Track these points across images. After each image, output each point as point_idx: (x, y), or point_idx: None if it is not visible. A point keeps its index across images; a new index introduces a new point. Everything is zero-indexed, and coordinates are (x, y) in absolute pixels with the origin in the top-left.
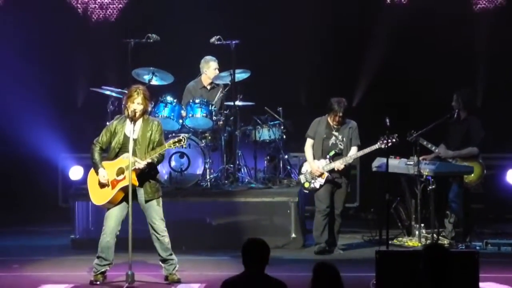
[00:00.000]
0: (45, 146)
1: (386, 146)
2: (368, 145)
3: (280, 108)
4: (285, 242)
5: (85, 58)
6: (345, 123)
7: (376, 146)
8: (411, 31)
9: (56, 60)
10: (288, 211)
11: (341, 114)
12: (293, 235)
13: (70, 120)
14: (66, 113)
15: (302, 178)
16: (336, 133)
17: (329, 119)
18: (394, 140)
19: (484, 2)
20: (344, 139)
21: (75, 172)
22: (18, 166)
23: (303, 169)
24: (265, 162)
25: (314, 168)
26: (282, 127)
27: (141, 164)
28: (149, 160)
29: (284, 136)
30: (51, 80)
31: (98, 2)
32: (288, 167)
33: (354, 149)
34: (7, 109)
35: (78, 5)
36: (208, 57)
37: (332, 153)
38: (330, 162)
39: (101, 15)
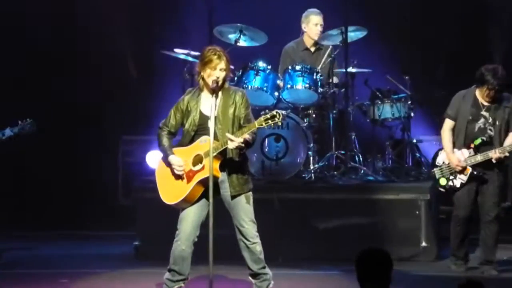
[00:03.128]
0: (101, 127)
1: None
2: None
3: (407, 77)
4: (413, 252)
5: (153, 13)
6: (499, 100)
7: None
8: None
9: (109, 14)
10: (417, 212)
11: (496, 88)
12: (424, 244)
13: (133, 93)
14: (126, 85)
15: (437, 172)
16: (486, 114)
17: (478, 93)
18: None
19: None
20: (497, 122)
21: (154, 158)
22: (66, 154)
23: (439, 160)
24: (387, 147)
25: (454, 160)
26: (409, 103)
27: (235, 142)
28: (247, 137)
29: (412, 114)
30: (102, 42)
31: None
32: (417, 155)
33: (510, 137)
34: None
35: None
36: (309, 10)
37: (478, 141)
38: (475, 154)
39: None
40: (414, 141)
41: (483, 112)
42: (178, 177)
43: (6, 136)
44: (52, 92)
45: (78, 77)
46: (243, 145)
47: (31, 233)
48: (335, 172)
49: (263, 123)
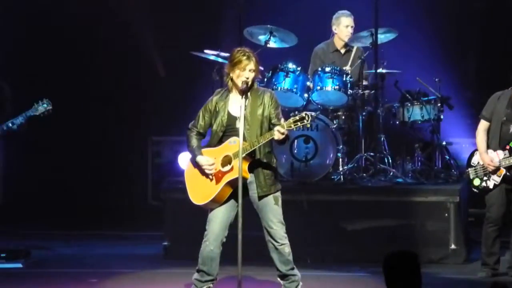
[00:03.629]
0: (130, 128)
1: None
2: None
3: (437, 79)
4: (442, 255)
5: (183, 14)
6: None
7: None
8: None
9: (138, 16)
10: (446, 214)
11: None
12: (453, 246)
13: (161, 93)
14: (155, 85)
15: (471, 172)
16: None
17: None
18: None
19: None
20: None
21: (185, 160)
22: (95, 154)
23: (474, 160)
24: (417, 150)
25: (486, 161)
26: (439, 105)
27: (284, 132)
28: (292, 127)
29: (442, 117)
30: (135, 43)
31: None
32: (447, 157)
33: None
34: (81, 82)
35: None
36: (340, 12)
37: None
38: (510, 155)
39: None
40: (444, 143)
41: None
42: (207, 178)
43: (17, 124)
44: (81, 91)
45: (106, 77)
46: (282, 137)
47: (61, 232)
48: (364, 174)
49: (292, 125)
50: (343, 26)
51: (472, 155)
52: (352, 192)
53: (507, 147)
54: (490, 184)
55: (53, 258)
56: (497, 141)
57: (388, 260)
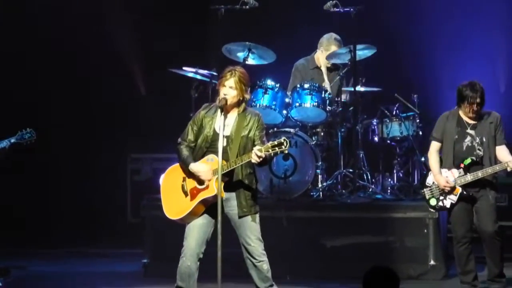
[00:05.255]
0: (109, 146)
1: None
2: None
3: (415, 96)
4: (421, 271)
5: (161, 31)
6: (483, 117)
7: None
8: None
9: (116, 31)
10: (425, 230)
11: (478, 101)
12: (432, 262)
13: (140, 110)
14: (133, 102)
15: (427, 193)
16: (472, 132)
17: (461, 113)
18: None
19: None
20: (484, 139)
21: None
22: (73, 172)
23: (428, 180)
24: (395, 166)
25: (441, 182)
26: (417, 121)
27: (261, 155)
28: (267, 154)
29: (421, 133)
30: (113, 59)
31: None
32: (426, 173)
33: (501, 151)
34: (58, 100)
35: None
36: (333, 37)
37: (468, 161)
38: (465, 174)
39: None
40: (423, 159)
41: (469, 131)
42: (182, 193)
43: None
44: (62, 108)
45: (84, 93)
46: (260, 160)
47: (39, 250)
48: (344, 191)
49: (270, 149)
50: (330, 51)
51: (426, 175)
52: (332, 208)
53: (461, 165)
54: (447, 203)
55: (33, 276)
56: (451, 160)
57: (367, 277)
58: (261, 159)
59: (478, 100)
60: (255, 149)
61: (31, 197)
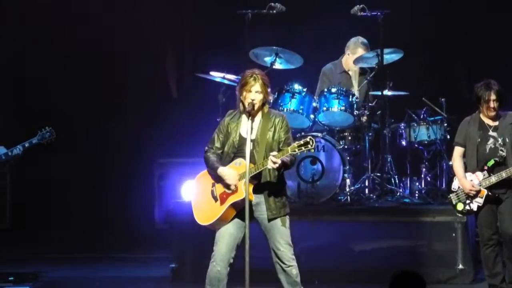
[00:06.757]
0: (136, 150)
1: None
2: None
3: (443, 99)
4: (449, 275)
5: (188, 36)
6: (504, 118)
7: None
8: None
9: (144, 36)
10: (454, 234)
11: (494, 98)
12: (461, 266)
13: (167, 115)
14: (162, 107)
15: (453, 198)
16: (494, 134)
17: (481, 115)
18: None
19: None
20: (507, 139)
21: (189, 189)
22: (101, 177)
23: (454, 186)
24: (423, 170)
25: (466, 186)
26: (445, 125)
27: (274, 162)
28: (285, 159)
29: (449, 136)
30: (141, 65)
31: None
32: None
33: None
34: (89, 102)
35: None
36: (360, 41)
37: (492, 162)
38: (489, 176)
39: None
40: (450, 163)
41: (491, 133)
42: (212, 198)
43: (14, 154)
44: (92, 112)
45: (111, 98)
46: (276, 166)
47: (68, 255)
48: (371, 195)
49: (296, 149)
50: (357, 55)
51: (451, 180)
52: (359, 212)
53: (485, 167)
54: (474, 207)
55: (61, 281)
56: (474, 163)
57: (394, 281)
58: (277, 165)
59: (493, 97)
60: (271, 155)
61: (57, 202)
